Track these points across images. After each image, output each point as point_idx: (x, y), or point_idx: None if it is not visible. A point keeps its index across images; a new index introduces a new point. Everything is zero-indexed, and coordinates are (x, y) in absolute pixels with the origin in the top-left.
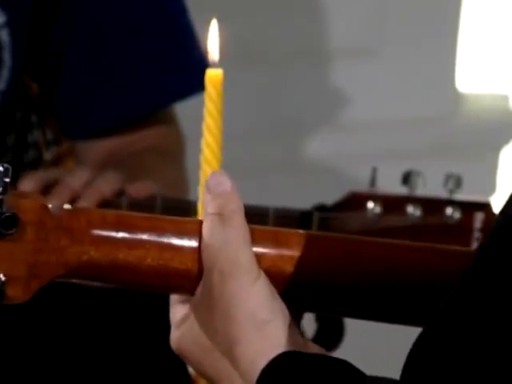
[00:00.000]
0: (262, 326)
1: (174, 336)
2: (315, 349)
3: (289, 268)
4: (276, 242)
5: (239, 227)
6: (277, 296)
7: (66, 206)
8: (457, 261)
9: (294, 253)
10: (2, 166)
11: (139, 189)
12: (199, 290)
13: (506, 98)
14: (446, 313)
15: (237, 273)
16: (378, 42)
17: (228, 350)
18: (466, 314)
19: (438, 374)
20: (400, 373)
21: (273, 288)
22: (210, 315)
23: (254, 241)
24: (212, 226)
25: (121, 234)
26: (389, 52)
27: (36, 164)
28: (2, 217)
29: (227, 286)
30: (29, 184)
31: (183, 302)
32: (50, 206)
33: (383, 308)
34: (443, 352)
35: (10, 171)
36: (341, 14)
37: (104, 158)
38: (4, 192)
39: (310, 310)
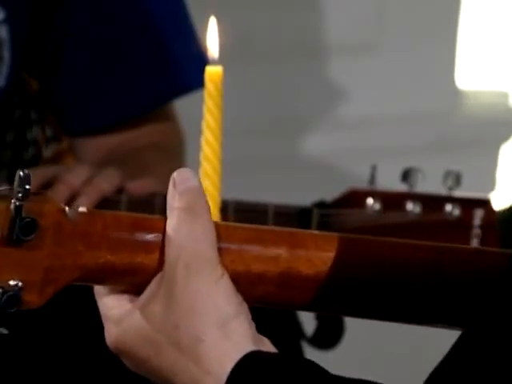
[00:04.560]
0: (227, 322)
1: (113, 333)
2: (271, 346)
3: (305, 269)
4: (292, 243)
5: (207, 225)
6: (239, 295)
7: (82, 209)
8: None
9: (311, 255)
10: (24, 172)
11: (139, 186)
12: (154, 284)
13: (505, 95)
14: (479, 326)
15: (204, 269)
16: (377, 38)
17: (190, 346)
18: (502, 327)
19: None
20: (398, 370)
21: (235, 288)
22: (169, 311)
23: (270, 242)
24: (180, 221)
25: (137, 237)
26: (388, 48)
27: (35, 161)
28: (23, 222)
29: (193, 281)
30: None
31: (117, 296)
32: (66, 209)
33: (399, 309)
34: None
35: (31, 178)
36: (340, 10)
37: (104, 155)
38: (24, 198)
39: (327, 313)
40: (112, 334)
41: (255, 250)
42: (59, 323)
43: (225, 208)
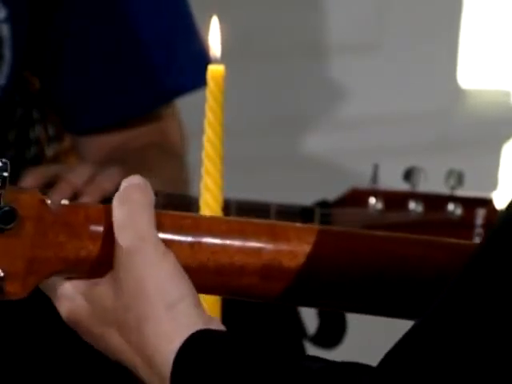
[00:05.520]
0: (173, 305)
1: (67, 307)
2: (221, 325)
3: (287, 262)
4: (274, 236)
5: (144, 208)
6: (185, 275)
7: (64, 201)
8: (464, 255)
9: (293, 247)
10: (1, 161)
11: None
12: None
13: (507, 93)
14: (437, 310)
15: (143, 248)
16: (378, 37)
17: (138, 327)
18: (457, 311)
19: (418, 370)
20: None
21: (181, 268)
22: (119, 291)
23: (252, 234)
24: (118, 207)
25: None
26: (390, 47)
27: (38, 160)
28: (1, 211)
29: (134, 261)
30: (30, 180)
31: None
32: (48, 201)
33: (382, 302)
34: (428, 347)
35: (9, 166)
36: (340, 10)
37: (106, 153)
38: (2, 187)
39: (309, 305)
40: (65, 307)
41: (238, 242)
42: (46, 320)
43: (227, 207)
